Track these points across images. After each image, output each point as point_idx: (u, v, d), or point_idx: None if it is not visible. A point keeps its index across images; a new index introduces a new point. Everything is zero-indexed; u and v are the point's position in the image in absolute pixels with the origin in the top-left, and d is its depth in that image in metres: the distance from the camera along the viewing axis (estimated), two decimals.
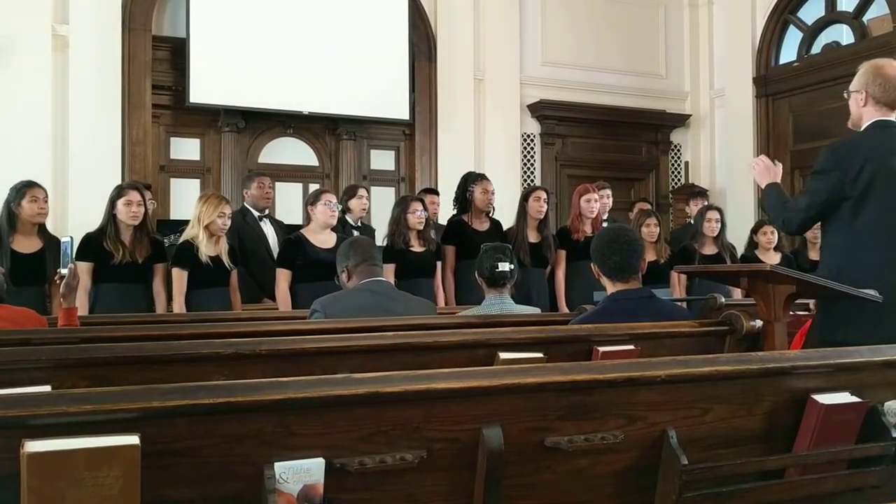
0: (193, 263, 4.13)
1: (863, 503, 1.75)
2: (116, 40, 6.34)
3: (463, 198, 5.12)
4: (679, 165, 8.79)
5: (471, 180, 5.13)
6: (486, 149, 7.63)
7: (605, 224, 5.21)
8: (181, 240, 4.26)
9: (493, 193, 5.08)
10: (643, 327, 2.42)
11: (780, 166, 3.02)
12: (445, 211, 5.93)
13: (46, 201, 4.20)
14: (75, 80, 6.18)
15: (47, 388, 1.61)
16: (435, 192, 5.82)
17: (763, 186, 3.02)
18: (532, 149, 8.07)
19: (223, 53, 6.60)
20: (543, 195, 5.02)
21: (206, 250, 4.16)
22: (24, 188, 4.13)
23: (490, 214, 5.16)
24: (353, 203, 5.15)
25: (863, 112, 2.82)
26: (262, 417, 1.28)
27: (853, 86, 2.85)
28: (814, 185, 2.82)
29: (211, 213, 4.17)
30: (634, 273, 2.65)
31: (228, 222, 4.29)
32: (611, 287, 2.66)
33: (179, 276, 4.12)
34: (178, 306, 4.09)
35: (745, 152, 8.05)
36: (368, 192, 5.39)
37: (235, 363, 2.03)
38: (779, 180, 2.97)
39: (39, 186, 4.19)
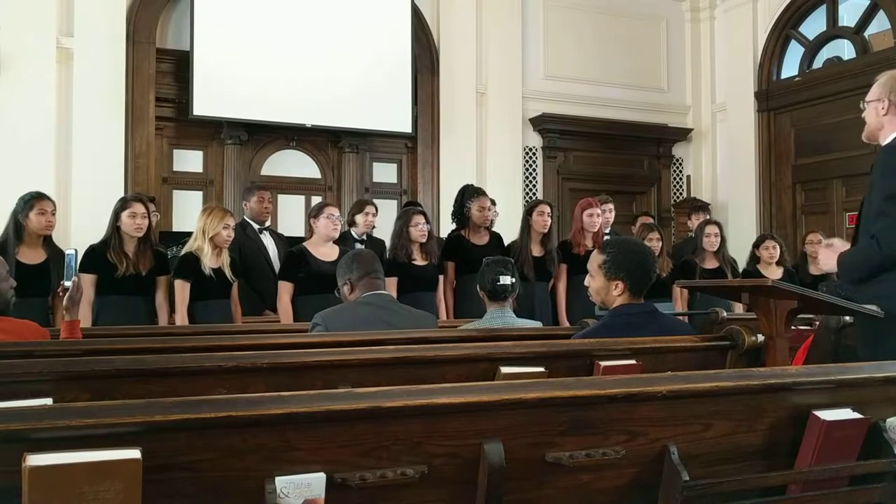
0: (196, 275, 4.14)
1: None
2: (121, 53, 6.38)
3: (460, 213, 5.08)
4: (681, 179, 8.80)
5: (467, 196, 5.06)
6: (488, 162, 7.65)
7: (606, 238, 5.19)
8: (183, 251, 4.27)
9: (490, 209, 5.02)
10: (644, 342, 2.42)
11: (833, 240, 2.88)
12: (445, 224, 5.90)
13: (54, 214, 4.19)
14: (79, 92, 6.21)
15: (49, 401, 1.61)
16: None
17: (837, 258, 2.74)
18: (534, 162, 8.09)
19: (227, 66, 6.64)
20: (547, 209, 5.00)
21: (208, 262, 4.17)
22: (33, 200, 4.11)
23: (490, 228, 5.13)
24: (358, 218, 5.25)
25: (884, 121, 2.69)
26: (263, 432, 1.28)
27: (871, 95, 2.73)
28: None
29: (216, 225, 4.18)
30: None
31: (232, 234, 4.31)
32: (619, 300, 2.65)
33: (182, 288, 4.13)
34: (181, 318, 4.10)
35: (747, 166, 8.08)
36: (376, 207, 5.45)
37: (237, 376, 2.04)
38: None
39: (48, 199, 4.18)
